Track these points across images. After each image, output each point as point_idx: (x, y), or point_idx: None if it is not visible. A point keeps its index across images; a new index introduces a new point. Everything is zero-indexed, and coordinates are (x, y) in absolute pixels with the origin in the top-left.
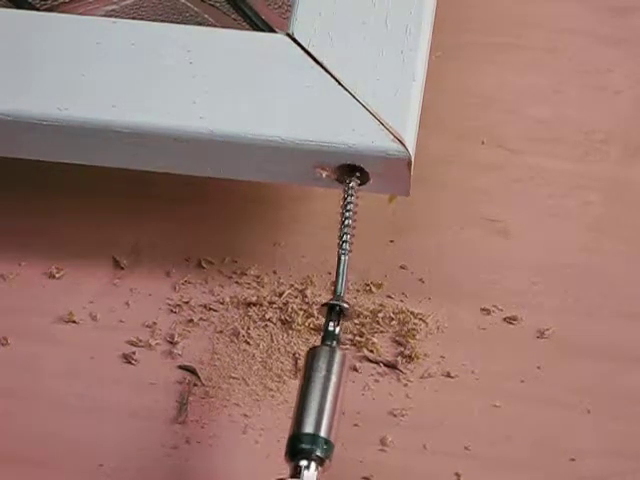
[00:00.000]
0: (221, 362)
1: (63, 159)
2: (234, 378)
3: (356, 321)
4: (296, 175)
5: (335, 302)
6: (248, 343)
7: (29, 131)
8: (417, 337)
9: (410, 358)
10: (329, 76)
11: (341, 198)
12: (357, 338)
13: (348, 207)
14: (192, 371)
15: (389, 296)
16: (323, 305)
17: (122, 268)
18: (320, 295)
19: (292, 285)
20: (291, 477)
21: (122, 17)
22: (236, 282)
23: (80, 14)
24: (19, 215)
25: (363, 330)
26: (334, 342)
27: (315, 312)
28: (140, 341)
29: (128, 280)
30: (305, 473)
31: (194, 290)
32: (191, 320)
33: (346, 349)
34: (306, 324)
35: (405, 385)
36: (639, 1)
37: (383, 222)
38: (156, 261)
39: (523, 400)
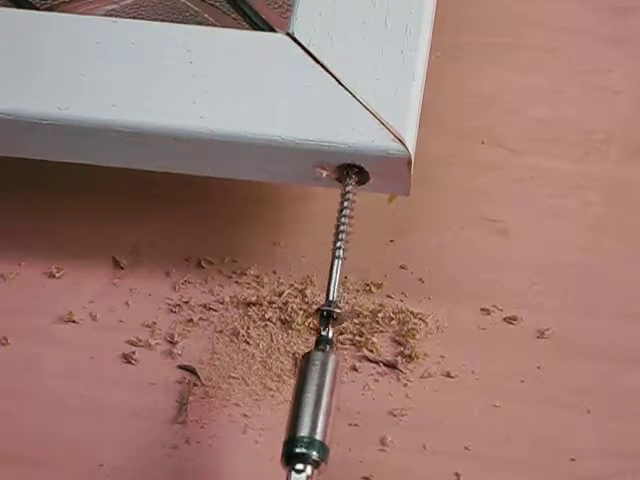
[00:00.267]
0: (221, 362)
1: (63, 159)
2: (234, 378)
3: (356, 321)
4: (296, 175)
5: (326, 308)
6: (248, 343)
7: (29, 131)
8: (417, 337)
9: (410, 358)
10: (329, 76)
11: (340, 196)
12: (357, 338)
13: (344, 211)
14: (192, 371)
15: (389, 296)
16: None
17: (122, 268)
18: (320, 295)
19: (292, 285)
20: None
21: (122, 16)
22: (236, 282)
23: (80, 13)
24: (19, 215)
25: (363, 330)
26: (327, 346)
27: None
28: (140, 341)
29: (128, 280)
30: (301, 477)
31: (194, 290)
32: (191, 320)
33: (346, 349)
34: (306, 324)
35: (405, 385)
36: (639, 1)
37: (383, 222)
38: (156, 261)
39: (523, 400)
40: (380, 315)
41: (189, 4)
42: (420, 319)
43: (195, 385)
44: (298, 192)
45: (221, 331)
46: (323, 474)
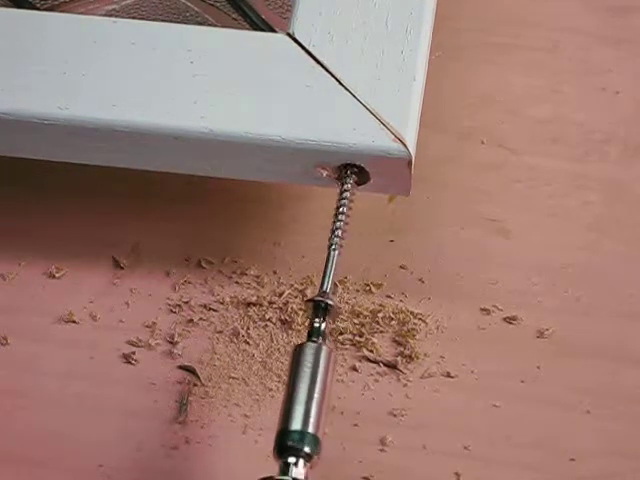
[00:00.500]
0: (221, 362)
1: (63, 159)
2: (234, 378)
3: (356, 321)
4: (296, 174)
5: (320, 298)
6: (248, 343)
7: (29, 131)
8: (417, 337)
9: (410, 358)
10: (330, 76)
11: (337, 194)
12: (357, 338)
13: (342, 208)
14: (192, 371)
15: (389, 296)
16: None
17: (122, 268)
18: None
19: (292, 285)
20: (279, 475)
21: (122, 17)
22: (236, 282)
23: (80, 14)
24: (19, 215)
25: (363, 330)
26: (320, 338)
27: None
28: (140, 341)
29: (128, 280)
30: (293, 470)
31: (194, 290)
32: (191, 320)
33: (345, 349)
34: (306, 324)
35: (405, 385)
36: (639, 1)
37: (383, 222)
38: (156, 261)
39: (523, 400)
40: (380, 315)
41: (189, 4)
42: (420, 319)
43: (195, 385)
44: (298, 192)
45: (221, 331)
46: (322, 473)
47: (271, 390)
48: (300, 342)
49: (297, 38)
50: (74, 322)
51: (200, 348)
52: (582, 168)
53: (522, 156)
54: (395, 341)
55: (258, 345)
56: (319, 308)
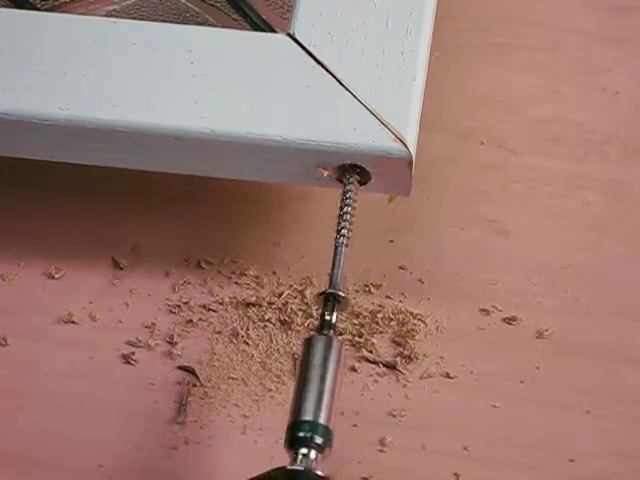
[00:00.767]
0: (220, 362)
1: (63, 159)
2: (233, 379)
3: (355, 321)
4: (297, 175)
5: (331, 291)
6: (247, 344)
7: (30, 131)
8: (416, 337)
9: (409, 358)
10: (330, 76)
11: (340, 194)
12: (356, 338)
13: (347, 202)
14: (191, 372)
15: (388, 296)
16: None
17: (121, 268)
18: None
19: (291, 286)
20: (291, 465)
21: (123, 17)
22: (235, 282)
23: (81, 14)
24: (19, 215)
25: (362, 330)
26: (330, 331)
27: (314, 312)
28: (139, 341)
29: (127, 280)
30: (305, 461)
31: (193, 290)
32: (190, 320)
33: (345, 349)
34: (305, 324)
35: (404, 385)
36: (639, 1)
37: (383, 222)
38: (155, 261)
39: (522, 400)
40: (379, 316)
41: (189, 5)
42: (419, 320)
43: (194, 386)
44: (298, 192)
45: (220, 332)
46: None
47: (270, 390)
48: (311, 334)
49: (297, 38)
50: (73, 322)
51: (199, 348)
52: (582, 168)
53: (522, 156)
54: (394, 342)
55: (257, 345)
56: (329, 301)
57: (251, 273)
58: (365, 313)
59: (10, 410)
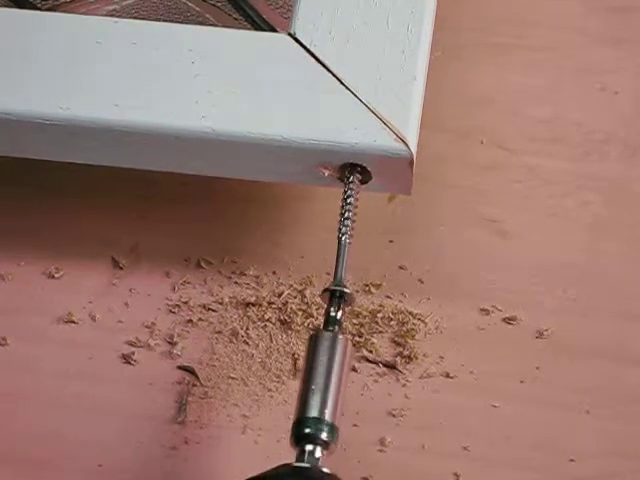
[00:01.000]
0: (220, 362)
1: (64, 159)
2: (233, 378)
3: (355, 321)
4: (298, 174)
5: (336, 287)
6: (247, 343)
7: (31, 131)
8: (416, 337)
9: (409, 358)
10: (331, 75)
11: (342, 193)
12: (356, 338)
13: (349, 201)
14: (191, 371)
15: (388, 296)
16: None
17: (121, 268)
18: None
19: (291, 285)
20: (296, 462)
21: (123, 17)
22: (235, 282)
23: (82, 14)
24: (19, 215)
25: (362, 330)
26: (336, 327)
27: (314, 312)
28: (139, 341)
29: (127, 280)
30: (310, 457)
31: (193, 290)
32: (190, 320)
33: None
34: (305, 324)
35: (404, 385)
36: (639, 1)
37: (382, 222)
38: (155, 261)
39: (522, 400)
40: (379, 315)
41: (190, 4)
42: (419, 319)
43: (194, 385)
44: (299, 192)
45: (220, 332)
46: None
47: (270, 390)
48: (316, 330)
49: (298, 38)
50: (73, 322)
51: (199, 348)
52: (582, 168)
53: (522, 156)
54: (394, 341)
55: (257, 345)
56: (335, 297)
57: (251, 273)
58: (365, 313)
59: (10, 410)
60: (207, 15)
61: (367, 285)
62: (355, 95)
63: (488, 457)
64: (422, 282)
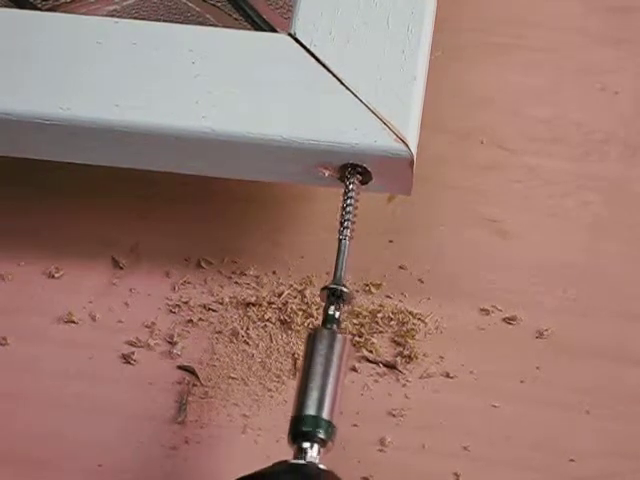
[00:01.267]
0: (220, 362)
1: (64, 159)
2: (233, 378)
3: (355, 321)
4: (298, 174)
5: (335, 286)
6: (247, 343)
7: (31, 131)
8: (416, 337)
9: (409, 358)
10: (331, 75)
11: (342, 194)
12: (356, 338)
13: (349, 201)
14: (191, 371)
15: (388, 296)
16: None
17: (121, 268)
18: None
19: (291, 285)
20: (294, 459)
21: (124, 17)
22: (235, 282)
23: (82, 14)
24: (19, 215)
25: (362, 330)
26: (334, 325)
27: (314, 312)
28: (139, 341)
29: (127, 280)
30: (308, 455)
31: (193, 290)
32: (190, 320)
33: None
34: (305, 324)
35: (404, 385)
36: (639, 1)
37: (382, 222)
38: (155, 261)
39: (522, 400)
40: (379, 315)
41: (190, 5)
42: (419, 319)
43: (194, 385)
44: (299, 192)
45: (220, 331)
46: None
47: (270, 390)
48: (314, 328)
49: (298, 38)
50: (73, 322)
51: (199, 348)
52: (582, 168)
53: (522, 156)
54: (394, 341)
55: (257, 345)
56: (333, 295)
57: (251, 273)
58: (365, 313)
59: (10, 410)
60: (207, 15)
61: (367, 285)
62: (355, 95)
63: (488, 457)
64: (422, 282)
